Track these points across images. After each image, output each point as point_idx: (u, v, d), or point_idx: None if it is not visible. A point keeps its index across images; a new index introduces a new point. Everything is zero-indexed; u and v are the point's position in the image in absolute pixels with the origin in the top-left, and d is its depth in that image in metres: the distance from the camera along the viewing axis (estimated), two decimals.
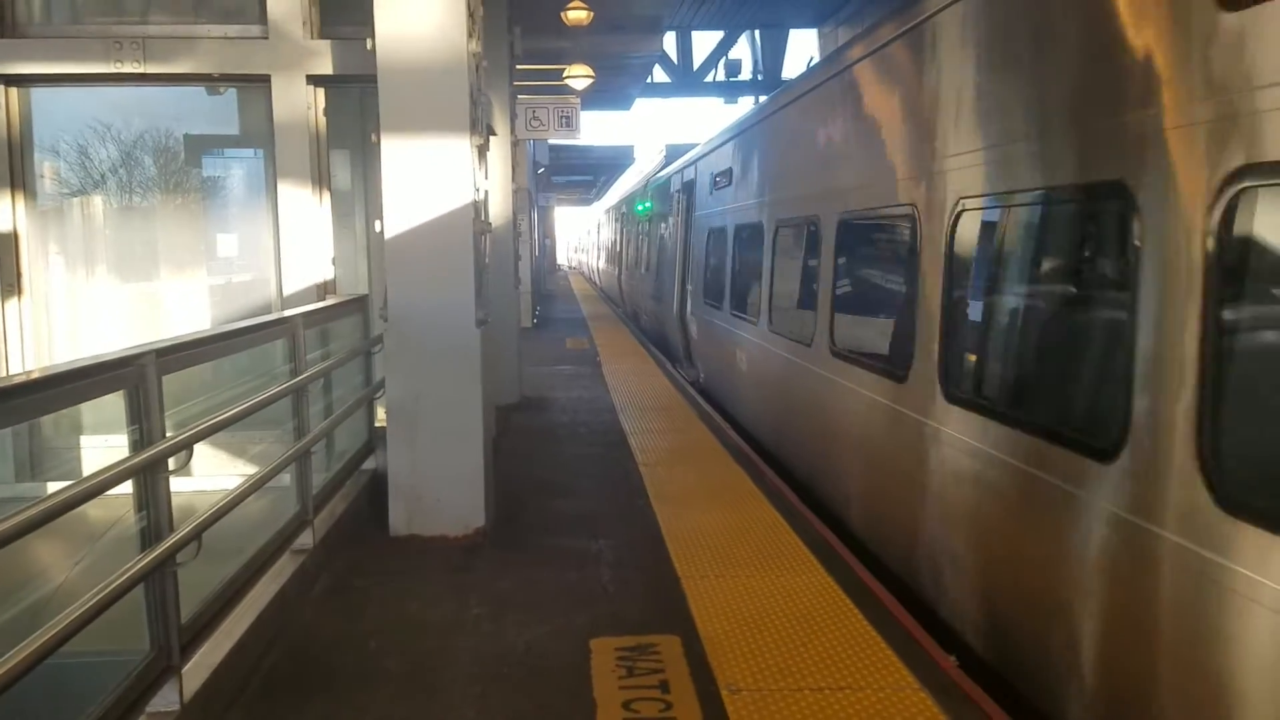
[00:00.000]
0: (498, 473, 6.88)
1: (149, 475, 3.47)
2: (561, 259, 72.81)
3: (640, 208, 21.66)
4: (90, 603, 2.94)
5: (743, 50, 27.04)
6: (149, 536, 3.49)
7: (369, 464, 7.05)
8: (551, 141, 25.03)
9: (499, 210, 9.93)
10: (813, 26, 22.98)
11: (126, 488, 3.40)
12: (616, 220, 30.59)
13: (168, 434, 3.60)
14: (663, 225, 17.55)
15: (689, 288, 14.16)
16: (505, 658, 4.43)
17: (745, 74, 27.06)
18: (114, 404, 3.51)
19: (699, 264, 13.48)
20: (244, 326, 4.81)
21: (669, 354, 16.08)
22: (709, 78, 27.00)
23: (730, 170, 11.47)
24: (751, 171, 10.47)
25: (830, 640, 4.55)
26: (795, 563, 5.59)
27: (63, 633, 2.75)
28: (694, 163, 14.41)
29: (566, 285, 41.95)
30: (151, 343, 3.63)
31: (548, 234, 43.10)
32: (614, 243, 31.28)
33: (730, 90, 27.43)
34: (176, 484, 3.68)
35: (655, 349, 16.43)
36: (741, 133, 11.08)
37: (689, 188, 14.42)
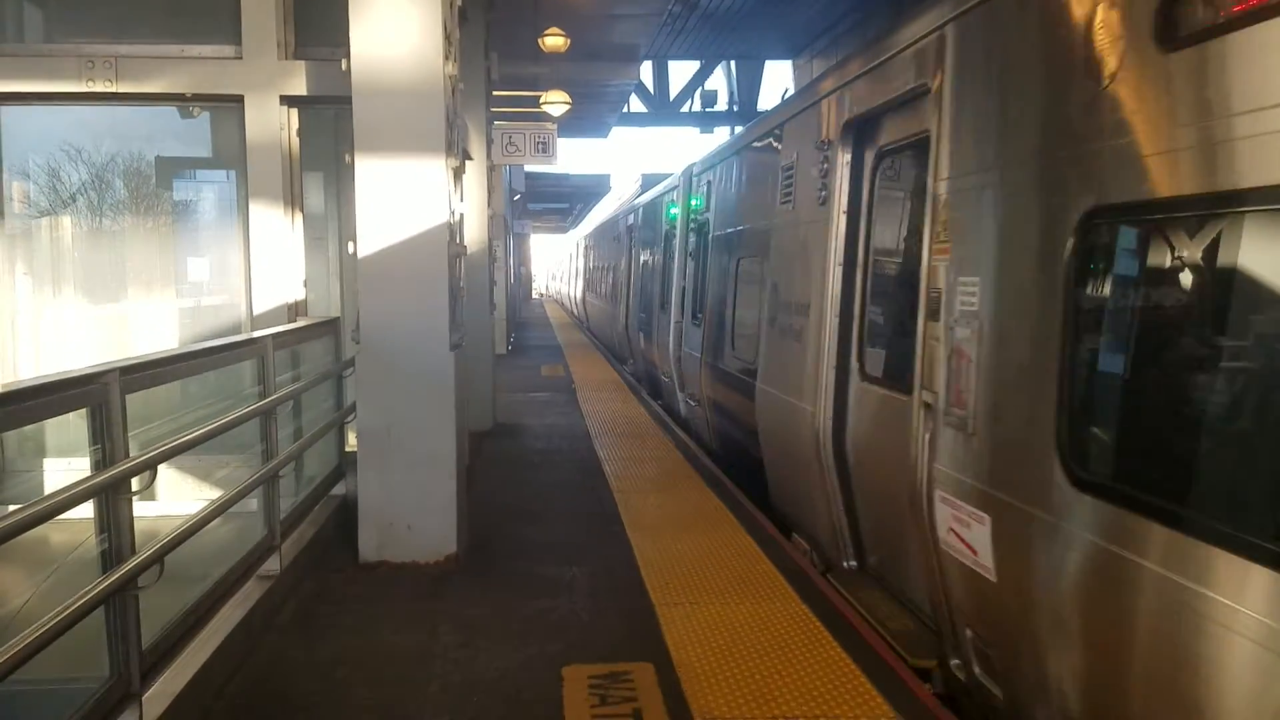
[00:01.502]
0: (470, 499, 6.80)
1: (111, 496, 3.39)
2: (539, 287, 72.61)
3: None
4: (48, 626, 2.85)
5: (719, 81, 27.35)
6: (110, 559, 3.40)
7: (339, 489, 6.95)
8: (528, 168, 25.09)
9: (475, 235, 9.90)
10: (787, 58, 23.20)
11: (88, 509, 3.32)
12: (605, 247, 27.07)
13: (131, 454, 3.52)
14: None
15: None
16: (476, 686, 4.34)
17: (721, 104, 27.32)
18: (76, 426, 3.42)
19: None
20: (211, 347, 4.73)
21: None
22: (685, 107, 27.24)
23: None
24: None
25: (806, 669, 4.49)
26: (770, 591, 5.54)
27: (18, 657, 2.66)
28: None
29: (542, 313, 41.91)
30: (115, 361, 3.55)
31: (523, 261, 43.06)
32: (594, 270, 29.60)
33: (706, 120, 27.68)
34: (140, 507, 3.60)
35: (630, 375, 16.33)
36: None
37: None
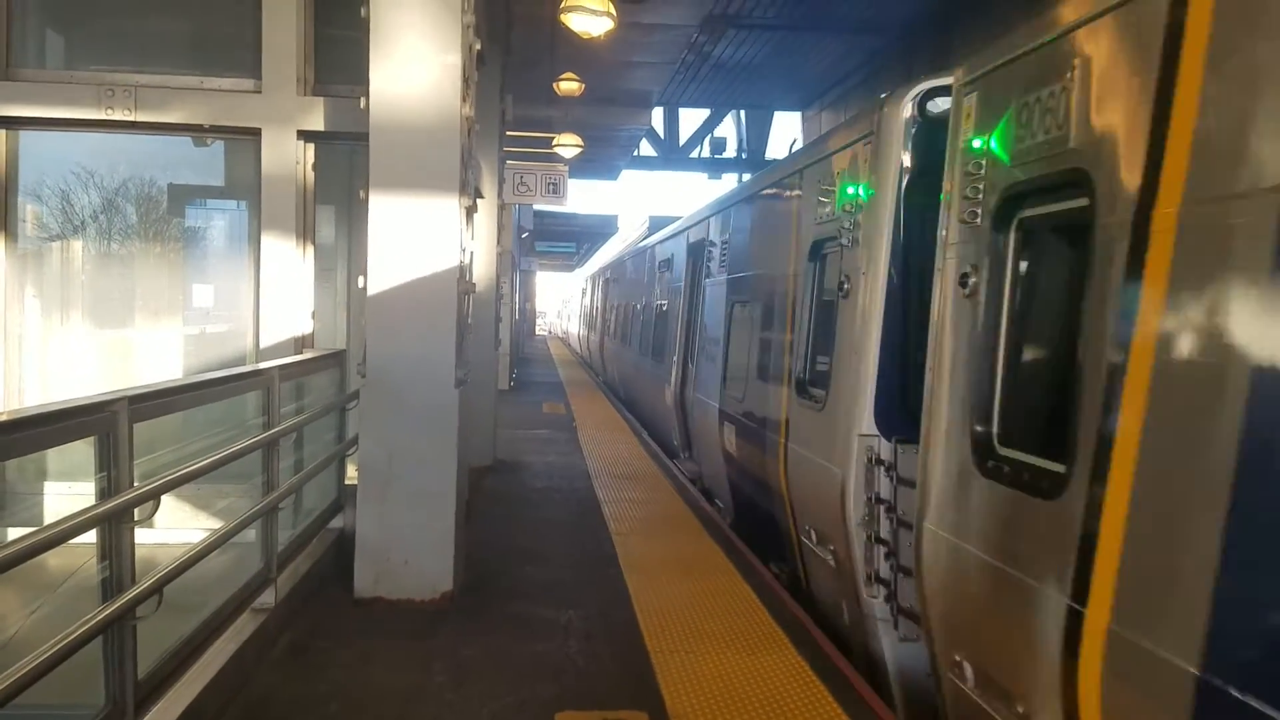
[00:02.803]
0: (468, 537, 6.79)
1: (114, 525, 3.39)
2: (542, 326, 72.58)
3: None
4: (48, 653, 2.84)
5: (728, 128, 27.60)
6: (110, 588, 3.40)
7: (336, 522, 6.93)
8: (536, 207, 25.26)
9: (482, 272, 9.96)
10: (796, 110, 23.43)
11: (90, 536, 3.32)
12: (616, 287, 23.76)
13: (135, 483, 3.53)
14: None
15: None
16: None
17: (730, 151, 27.55)
18: (79, 450, 3.44)
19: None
20: (219, 377, 4.76)
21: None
22: (694, 153, 27.46)
23: None
24: None
25: None
26: (767, 641, 5.51)
27: (18, 683, 2.66)
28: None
29: (545, 349, 41.98)
30: (125, 389, 3.57)
31: (529, 298, 43.20)
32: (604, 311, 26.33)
33: (714, 167, 27.90)
34: (140, 535, 3.60)
35: (632, 415, 16.30)
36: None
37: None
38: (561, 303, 68.51)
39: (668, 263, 14.30)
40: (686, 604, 6.11)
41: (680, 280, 12.63)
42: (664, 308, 14.23)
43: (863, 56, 18.18)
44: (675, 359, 12.27)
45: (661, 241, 15.50)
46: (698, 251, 11.46)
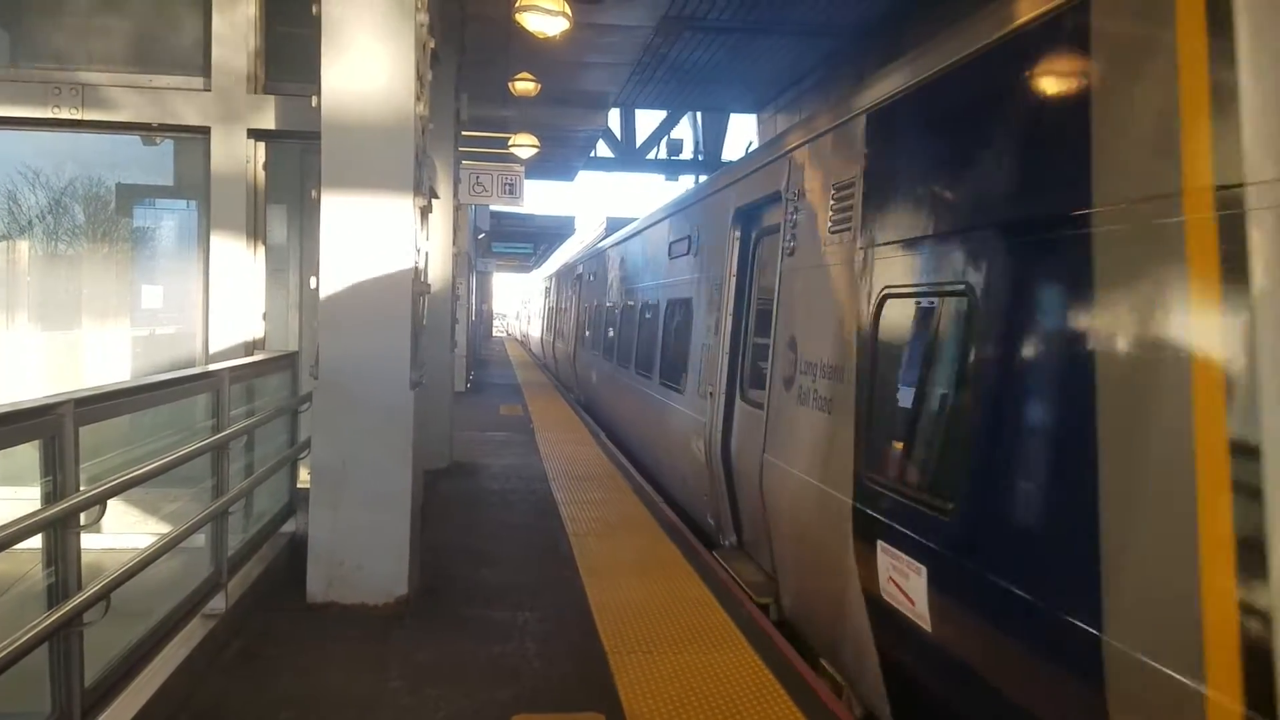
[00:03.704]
0: (423, 540, 6.73)
1: (60, 530, 3.32)
2: (499, 328, 72.08)
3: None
4: None
5: (685, 130, 27.70)
6: (56, 594, 3.33)
7: (289, 526, 6.85)
8: (493, 208, 25.15)
9: (438, 273, 9.89)
10: (752, 112, 23.55)
11: (35, 542, 3.25)
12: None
13: (82, 488, 3.46)
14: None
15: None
16: None
17: (687, 153, 27.66)
18: (26, 454, 3.36)
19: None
20: (168, 379, 4.68)
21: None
22: (651, 155, 27.52)
23: None
24: None
25: None
26: (724, 641, 5.53)
27: None
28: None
29: (502, 351, 41.79)
30: (71, 392, 3.50)
31: (486, 299, 42.96)
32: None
33: (671, 168, 28.00)
34: (87, 540, 3.53)
35: (589, 417, 16.25)
36: None
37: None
38: (521, 304, 65.88)
39: (696, 236, 9.40)
40: (644, 605, 6.11)
41: (726, 268, 7.97)
42: (684, 310, 9.65)
43: (816, 59, 18.33)
44: (710, 391, 7.93)
45: (687, 207, 10.11)
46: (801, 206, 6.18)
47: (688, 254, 9.65)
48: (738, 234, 7.77)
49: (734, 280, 7.72)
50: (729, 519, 7.52)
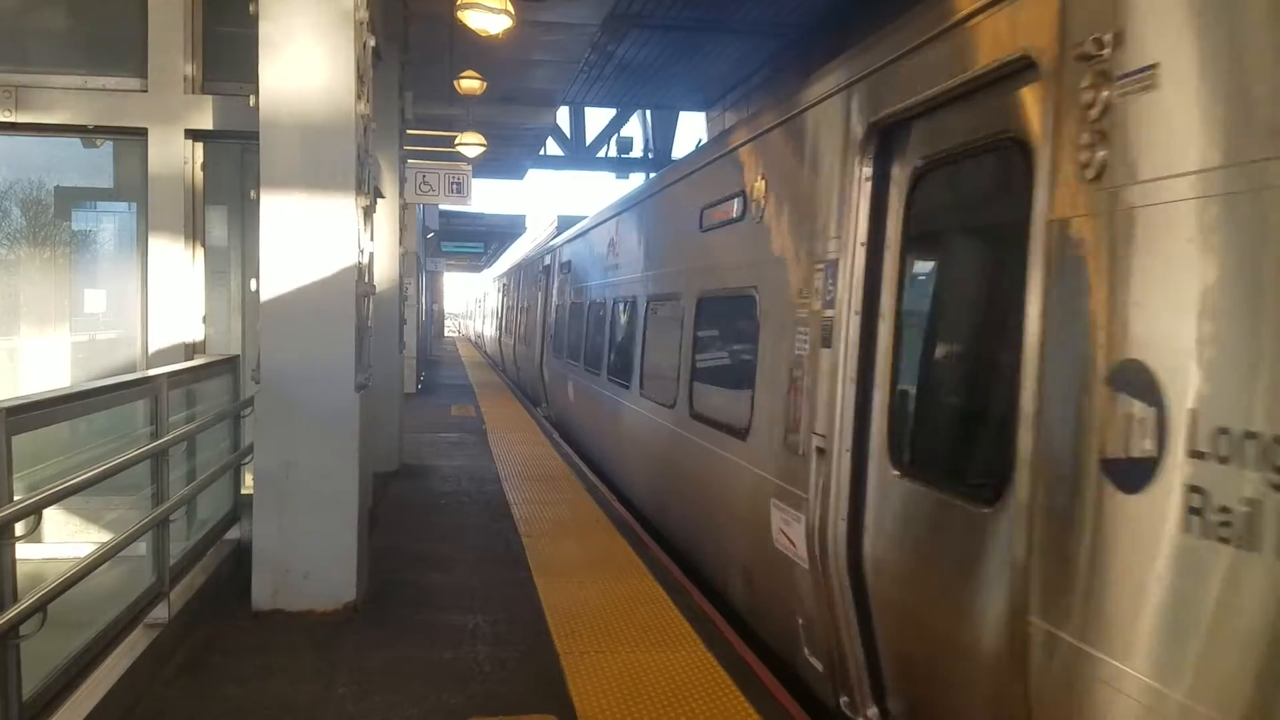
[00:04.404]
0: (372, 544, 6.66)
1: None
2: (451, 328, 71.46)
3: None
4: None
5: (634, 128, 27.70)
6: None
7: (233, 533, 6.72)
8: (442, 207, 24.97)
9: (385, 273, 9.79)
10: (700, 110, 23.60)
11: None
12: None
13: (15, 497, 3.37)
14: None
15: None
16: None
17: (637, 151, 27.66)
18: None
19: None
20: (103, 386, 4.57)
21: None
22: (601, 153, 27.48)
23: None
24: None
25: (708, 718, 4.48)
26: (676, 639, 5.53)
27: None
28: None
29: (454, 351, 41.51)
30: (1, 400, 3.40)
31: (435, 299, 42.64)
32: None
33: (622, 166, 27.98)
34: (24, 551, 3.45)
35: (543, 418, 16.16)
36: None
37: None
38: (474, 303, 63.32)
39: (757, 185, 6.09)
40: (597, 604, 6.09)
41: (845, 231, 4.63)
42: (733, 309, 6.64)
43: (764, 57, 18.40)
44: (819, 447, 4.71)
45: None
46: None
47: (736, 219, 6.43)
48: (870, 170, 4.44)
49: (862, 253, 4.43)
50: (862, 670, 4.36)
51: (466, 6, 8.51)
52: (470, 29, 8.80)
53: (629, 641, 5.46)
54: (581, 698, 4.66)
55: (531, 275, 20.47)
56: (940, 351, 4.09)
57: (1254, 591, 2.24)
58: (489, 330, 39.11)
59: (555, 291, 16.41)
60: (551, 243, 18.03)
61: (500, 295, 31.46)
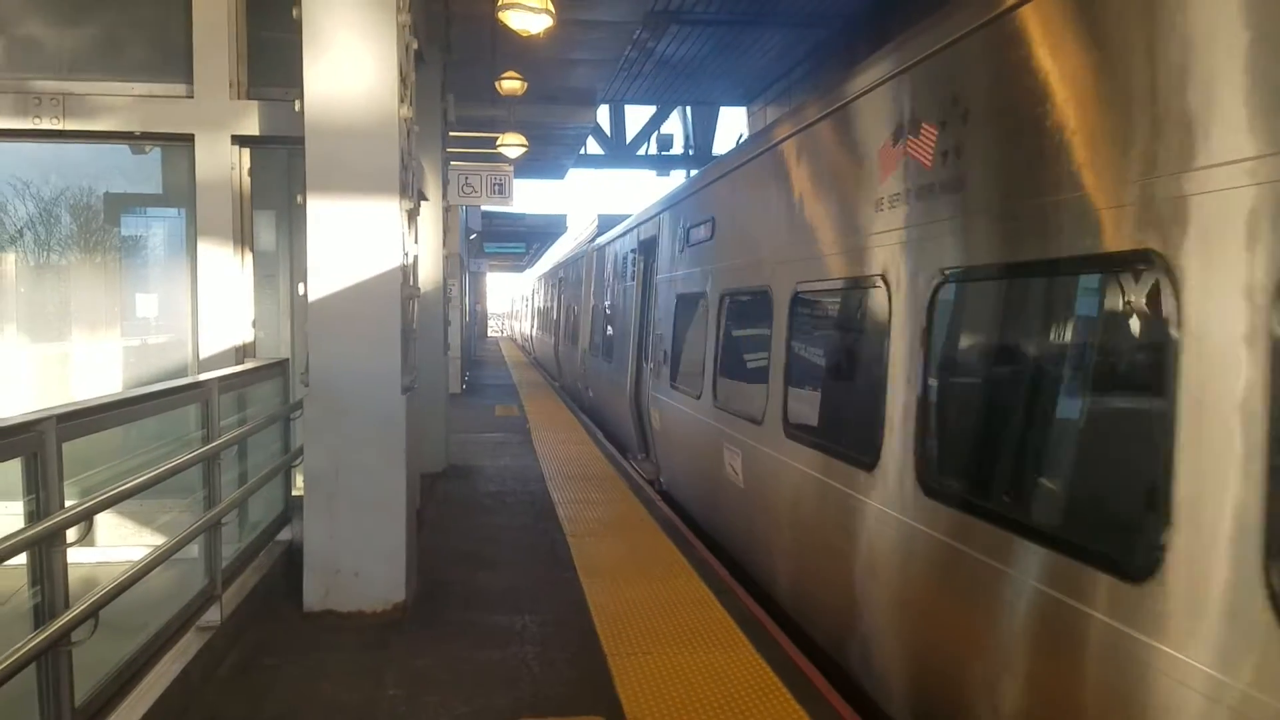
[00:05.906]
0: (420, 544, 6.68)
1: (45, 548, 3.27)
2: (494, 328, 71.54)
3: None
4: None
5: (675, 125, 27.61)
6: (43, 613, 3.27)
7: (284, 535, 6.79)
8: (484, 208, 25.07)
9: (429, 275, 9.83)
10: (741, 105, 23.47)
11: (21, 559, 3.20)
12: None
13: (68, 504, 3.40)
14: None
15: None
16: None
17: (677, 148, 27.57)
18: (14, 469, 3.31)
19: None
20: (154, 391, 4.61)
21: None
22: (641, 150, 27.43)
23: None
24: None
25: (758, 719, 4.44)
26: (724, 640, 5.48)
27: None
28: None
29: (496, 352, 41.71)
30: (52, 407, 3.44)
31: (479, 300, 42.86)
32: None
33: (662, 163, 27.90)
34: (77, 555, 3.48)
35: (586, 417, 16.18)
36: None
37: None
38: (521, 300, 60.71)
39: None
40: (643, 605, 6.07)
41: None
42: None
43: (806, 49, 18.25)
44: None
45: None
46: None
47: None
48: None
49: None
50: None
51: (507, 7, 8.51)
52: (511, 29, 8.81)
53: (676, 642, 5.43)
54: (629, 699, 4.63)
55: (598, 265, 16.38)
56: None
57: None
58: (533, 330, 37.71)
59: (632, 288, 12.53)
60: (629, 226, 13.47)
61: (547, 291, 28.98)
